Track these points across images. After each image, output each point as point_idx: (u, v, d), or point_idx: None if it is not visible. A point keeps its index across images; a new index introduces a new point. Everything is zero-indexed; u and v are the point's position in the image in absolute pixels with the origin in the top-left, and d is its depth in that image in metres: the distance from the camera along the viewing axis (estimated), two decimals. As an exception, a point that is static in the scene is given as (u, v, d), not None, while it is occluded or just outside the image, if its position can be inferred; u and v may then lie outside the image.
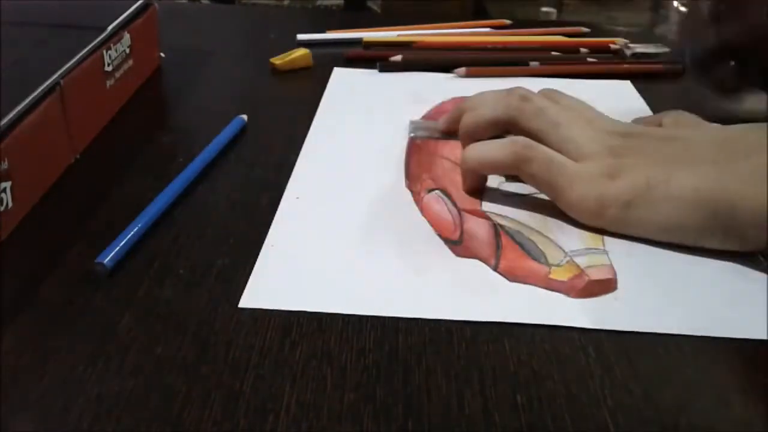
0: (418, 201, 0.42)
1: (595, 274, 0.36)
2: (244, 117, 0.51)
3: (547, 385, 0.31)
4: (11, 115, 0.40)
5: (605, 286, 0.36)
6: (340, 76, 0.60)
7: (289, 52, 0.62)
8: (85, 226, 0.40)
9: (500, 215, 0.40)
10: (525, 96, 0.43)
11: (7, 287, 0.36)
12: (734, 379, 0.32)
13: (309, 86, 0.60)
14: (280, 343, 0.33)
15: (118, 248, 0.37)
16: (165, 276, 0.37)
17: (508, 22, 0.73)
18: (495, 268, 0.37)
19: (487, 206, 0.41)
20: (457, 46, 0.67)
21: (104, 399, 0.30)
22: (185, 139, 0.51)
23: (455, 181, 0.42)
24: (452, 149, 0.45)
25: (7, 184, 0.39)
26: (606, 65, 0.63)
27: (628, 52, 0.66)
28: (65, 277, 0.37)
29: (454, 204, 0.40)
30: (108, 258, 0.37)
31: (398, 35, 0.68)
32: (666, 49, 0.67)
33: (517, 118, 0.42)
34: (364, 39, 0.67)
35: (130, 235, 0.38)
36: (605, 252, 0.38)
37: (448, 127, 0.48)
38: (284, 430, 0.29)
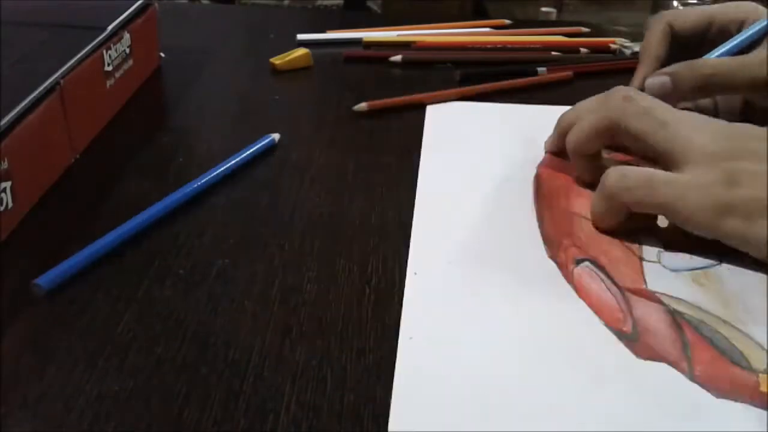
0: (567, 276, 0.33)
1: None
2: (276, 137, 0.49)
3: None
4: (11, 115, 0.40)
5: None
6: (433, 113, 0.53)
7: (289, 52, 0.62)
8: (85, 226, 0.40)
9: (673, 297, 0.31)
10: (627, 96, 0.40)
11: (7, 287, 0.36)
12: None
13: (309, 86, 0.60)
14: (280, 343, 0.33)
15: (60, 271, 0.36)
16: (165, 276, 0.37)
17: (508, 22, 0.73)
18: (692, 377, 0.28)
19: (654, 285, 0.32)
20: (457, 46, 0.67)
21: (104, 399, 0.30)
22: (185, 139, 0.51)
23: (604, 249, 0.34)
24: (585, 203, 0.37)
25: (7, 184, 0.39)
26: (604, 64, 0.63)
27: (627, 52, 0.66)
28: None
29: (614, 281, 0.32)
30: (47, 280, 0.36)
31: (398, 35, 0.68)
32: None
33: (620, 120, 0.39)
34: (364, 39, 0.67)
35: (77, 260, 0.37)
36: None
37: (554, 146, 0.45)
38: (284, 430, 0.29)
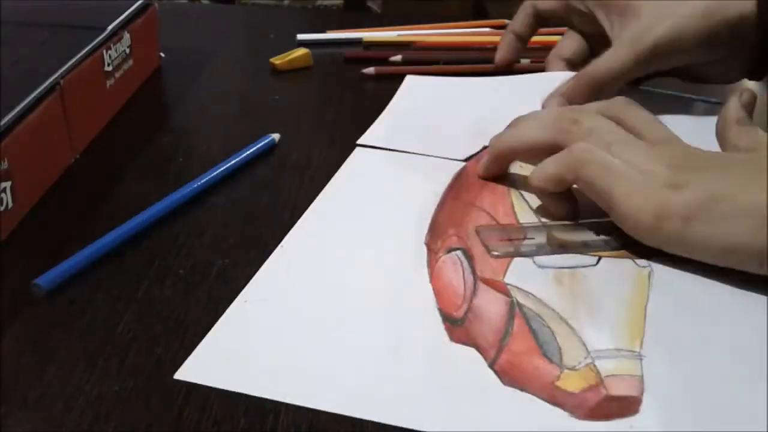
0: (431, 263, 0.35)
1: (616, 388, 0.29)
2: (276, 137, 0.49)
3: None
4: (11, 115, 0.40)
5: (624, 407, 0.28)
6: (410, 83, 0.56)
7: (289, 52, 0.62)
8: (85, 226, 0.40)
9: (524, 291, 0.33)
10: (575, 119, 0.39)
11: (7, 287, 0.36)
12: None
13: (309, 86, 0.60)
14: (280, 343, 0.33)
15: (62, 270, 0.36)
16: (165, 276, 0.37)
17: (508, 21, 0.73)
18: (492, 364, 0.30)
19: (514, 278, 0.33)
20: (457, 46, 0.67)
21: (104, 399, 0.30)
22: (185, 139, 0.51)
23: (488, 236, 0.36)
24: (496, 200, 0.39)
25: (7, 184, 0.39)
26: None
27: None
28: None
29: (473, 271, 0.34)
30: (47, 280, 0.35)
31: (398, 35, 0.68)
32: None
33: (563, 141, 0.38)
34: (365, 39, 0.67)
35: (77, 261, 0.37)
36: (640, 357, 0.30)
37: (491, 173, 0.42)
38: (284, 430, 0.29)
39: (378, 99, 0.54)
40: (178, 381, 0.31)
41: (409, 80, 0.56)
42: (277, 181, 0.46)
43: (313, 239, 0.38)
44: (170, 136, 0.52)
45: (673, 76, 0.53)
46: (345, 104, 0.55)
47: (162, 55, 0.62)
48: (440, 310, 0.33)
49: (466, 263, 0.34)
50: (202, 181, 0.44)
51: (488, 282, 0.33)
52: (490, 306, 0.32)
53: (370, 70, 0.59)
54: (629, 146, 0.37)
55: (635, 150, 0.37)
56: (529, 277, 0.33)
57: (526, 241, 0.35)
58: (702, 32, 0.47)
